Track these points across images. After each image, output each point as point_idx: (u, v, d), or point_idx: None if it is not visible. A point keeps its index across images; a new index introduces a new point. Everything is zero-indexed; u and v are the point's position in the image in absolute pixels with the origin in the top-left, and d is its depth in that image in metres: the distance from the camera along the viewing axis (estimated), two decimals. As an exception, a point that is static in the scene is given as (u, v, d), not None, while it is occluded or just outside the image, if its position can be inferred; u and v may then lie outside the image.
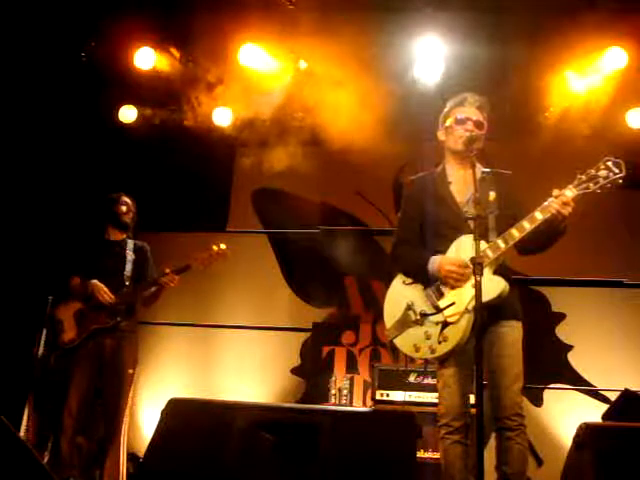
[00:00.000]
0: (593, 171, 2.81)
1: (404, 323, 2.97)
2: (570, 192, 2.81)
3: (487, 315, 2.85)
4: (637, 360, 5.46)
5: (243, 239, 6.29)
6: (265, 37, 5.10)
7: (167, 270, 4.11)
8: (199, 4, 5.01)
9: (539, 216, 2.82)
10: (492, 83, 4.74)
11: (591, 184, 2.79)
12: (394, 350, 5.63)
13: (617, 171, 2.78)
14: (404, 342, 2.98)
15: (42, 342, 4.85)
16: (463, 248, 2.90)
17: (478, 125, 3.09)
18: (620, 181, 2.78)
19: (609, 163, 2.80)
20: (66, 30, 5.12)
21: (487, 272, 2.80)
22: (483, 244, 2.82)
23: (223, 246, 4.28)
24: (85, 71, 5.39)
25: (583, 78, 5.02)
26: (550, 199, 2.81)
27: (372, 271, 6.05)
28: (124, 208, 4.37)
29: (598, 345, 5.58)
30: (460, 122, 3.09)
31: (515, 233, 2.83)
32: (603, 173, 2.79)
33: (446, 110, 3.21)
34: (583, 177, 2.81)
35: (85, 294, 4.08)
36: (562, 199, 2.78)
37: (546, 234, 2.88)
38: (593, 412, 5.00)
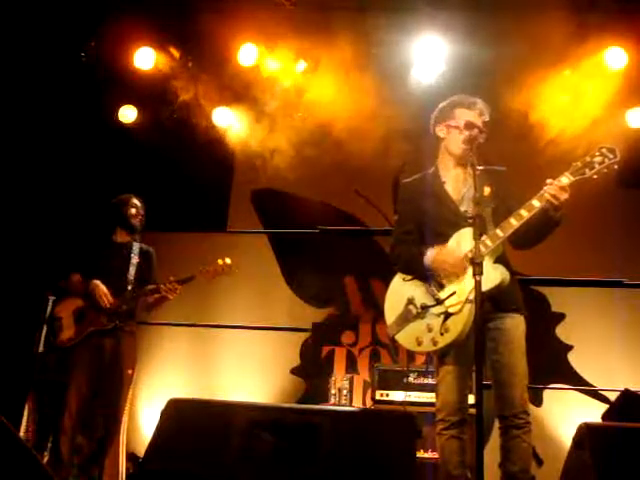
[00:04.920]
0: (588, 158, 2.84)
1: (405, 318, 2.99)
2: (566, 179, 2.83)
3: (489, 307, 2.87)
4: (637, 360, 5.45)
5: (243, 239, 6.29)
6: (265, 37, 5.10)
7: (171, 278, 4.09)
8: (199, 4, 5.01)
9: (536, 204, 2.83)
10: (492, 83, 4.74)
11: (587, 170, 2.82)
12: (394, 350, 5.70)
13: (612, 156, 2.81)
14: (406, 337, 2.99)
15: (42, 341, 4.85)
16: (464, 240, 2.92)
17: (481, 133, 3.10)
18: (615, 166, 2.81)
19: (603, 150, 2.83)
20: (66, 30, 5.12)
21: (488, 261, 2.83)
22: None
23: (229, 261, 4.22)
24: (85, 71, 5.39)
25: (583, 78, 5.02)
26: (546, 187, 2.83)
27: (372, 271, 6.05)
28: (133, 211, 4.36)
29: (598, 345, 5.57)
30: (468, 127, 3.07)
31: (513, 221, 2.85)
32: (598, 159, 2.82)
33: (447, 106, 3.20)
34: (578, 164, 2.84)
35: (85, 291, 4.08)
36: (558, 184, 2.80)
37: (542, 224, 2.89)
38: (593, 412, 5.00)
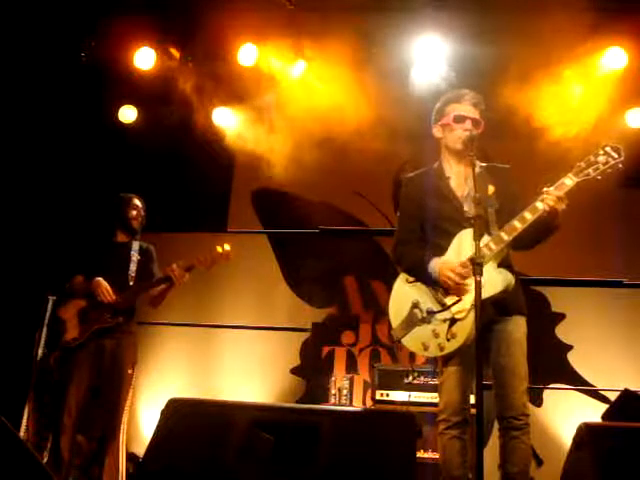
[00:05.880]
0: (592, 157, 2.80)
1: (411, 322, 2.96)
2: (570, 180, 2.79)
3: (492, 311, 2.86)
4: (637, 360, 5.46)
5: (243, 239, 6.28)
6: (265, 37, 5.10)
7: (180, 263, 4.07)
8: (199, 4, 5.01)
9: (540, 206, 2.80)
10: (493, 83, 4.73)
11: (590, 170, 2.78)
12: (395, 350, 5.70)
13: (616, 156, 2.77)
14: (412, 341, 2.96)
15: (42, 342, 4.85)
16: (465, 242, 2.90)
17: (476, 124, 3.07)
18: (620, 165, 2.77)
19: (607, 149, 2.79)
20: (66, 30, 5.12)
21: (492, 265, 2.81)
22: (485, 238, 2.82)
23: (227, 247, 4.17)
24: (85, 71, 5.39)
25: (583, 78, 5.02)
26: (549, 191, 2.80)
27: (372, 271, 6.05)
28: (134, 213, 4.33)
29: (598, 345, 5.58)
30: (458, 120, 3.07)
31: (517, 224, 2.82)
32: (602, 159, 2.77)
33: (440, 105, 3.18)
34: (582, 164, 2.80)
35: (87, 291, 4.08)
36: (556, 194, 2.76)
37: (539, 230, 2.86)
38: (593, 412, 5.00)
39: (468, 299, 2.84)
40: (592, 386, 5.55)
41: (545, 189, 2.81)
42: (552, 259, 5.28)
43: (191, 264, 4.11)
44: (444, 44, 5.03)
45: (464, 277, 2.84)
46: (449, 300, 2.90)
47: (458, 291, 2.87)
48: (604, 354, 5.54)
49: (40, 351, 4.86)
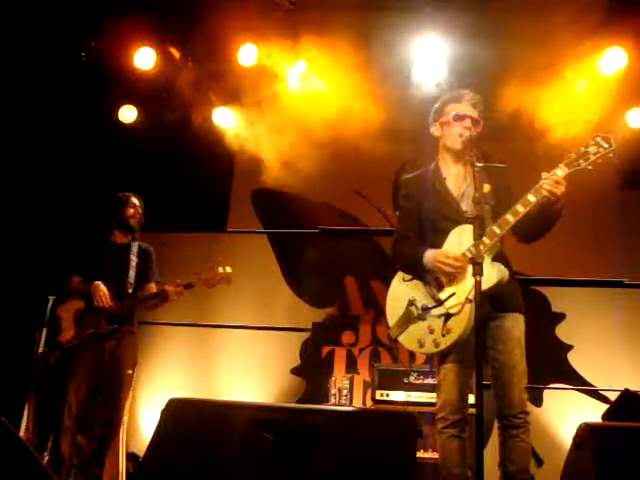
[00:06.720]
0: (582, 148, 2.79)
1: (407, 320, 2.97)
2: (561, 171, 2.79)
3: (488, 307, 2.86)
4: (637, 360, 5.46)
5: (243, 239, 6.29)
6: (265, 37, 5.10)
7: (178, 281, 4.11)
8: (199, 4, 5.01)
9: (532, 198, 2.80)
10: (492, 83, 4.74)
11: (582, 161, 2.77)
12: (395, 351, 5.70)
13: (607, 145, 2.76)
14: (408, 339, 2.97)
15: (42, 341, 4.86)
16: (464, 236, 2.90)
17: (475, 123, 3.08)
18: (611, 155, 2.76)
19: (598, 139, 2.77)
20: (66, 30, 5.12)
21: (486, 259, 2.80)
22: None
23: (229, 269, 4.20)
24: (85, 71, 5.39)
25: (583, 78, 5.02)
26: (542, 181, 2.79)
27: (372, 271, 6.05)
28: (132, 211, 4.32)
29: (598, 345, 5.58)
30: (458, 119, 3.07)
31: (510, 218, 2.82)
32: (593, 149, 2.76)
33: (440, 105, 3.20)
34: (573, 155, 2.79)
35: (86, 292, 4.07)
36: (553, 178, 2.77)
37: (543, 217, 2.86)
38: (593, 412, 5.00)
39: (462, 293, 2.84)
40: (592, 386, 5.55)
41: (541, 181, 2.80)
42: (552, 259, 5.28)
43: (190, 282, 4.14)
44: (444, 44, 5.03)
45: (459, 262, 2.85)
46: (443, 295, 2.90)
47: (452, 279, 2.87)
48: (604, 354, 5.54)
49: (40, 350, 4.86)
